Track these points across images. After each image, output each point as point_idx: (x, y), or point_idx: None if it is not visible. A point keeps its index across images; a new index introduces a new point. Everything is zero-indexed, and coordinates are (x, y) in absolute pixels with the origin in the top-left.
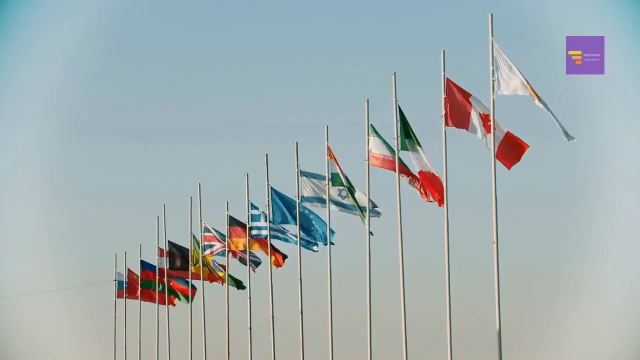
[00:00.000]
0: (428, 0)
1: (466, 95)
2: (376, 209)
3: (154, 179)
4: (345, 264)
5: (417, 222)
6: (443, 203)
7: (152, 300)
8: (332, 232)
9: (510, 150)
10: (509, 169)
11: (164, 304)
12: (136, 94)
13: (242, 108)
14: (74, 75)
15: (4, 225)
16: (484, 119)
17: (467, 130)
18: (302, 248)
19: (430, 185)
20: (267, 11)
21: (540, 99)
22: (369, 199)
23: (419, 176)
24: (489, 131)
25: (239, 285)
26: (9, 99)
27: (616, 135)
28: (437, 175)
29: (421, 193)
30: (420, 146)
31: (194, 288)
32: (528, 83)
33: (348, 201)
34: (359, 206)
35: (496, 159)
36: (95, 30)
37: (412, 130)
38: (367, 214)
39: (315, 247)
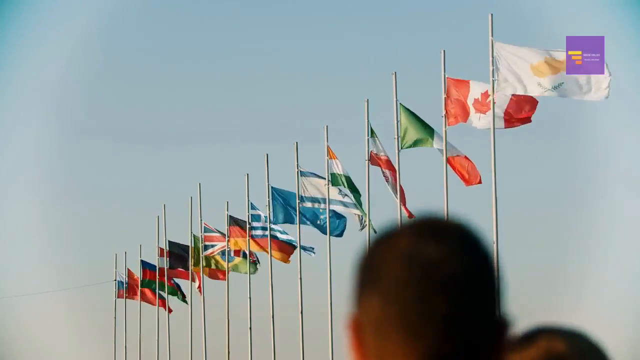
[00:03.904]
0: (428, 1)
1: (464, 85)
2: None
3: (154, 179)
4: (346, 264)
5: None
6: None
7: (152, 302)
8: (342, 221)
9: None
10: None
11: (164, 307)
12: (135, 94)
13: (242, 108)
14: (73, 76)
15: (5, 226)
16: (481, 99)
17: (465, 122)
18: (301, 250)
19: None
20: (268, 13)
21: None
22: (368, 203)
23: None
24: (484, 111)
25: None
26: (9, 101)
27: (616, 135)
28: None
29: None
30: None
31: (182, 294)
32: (549, 58)
33: (348, 199)
34: (360, 205)
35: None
36: (95, 31)
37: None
38: (367, 212)
39: (312, 253)
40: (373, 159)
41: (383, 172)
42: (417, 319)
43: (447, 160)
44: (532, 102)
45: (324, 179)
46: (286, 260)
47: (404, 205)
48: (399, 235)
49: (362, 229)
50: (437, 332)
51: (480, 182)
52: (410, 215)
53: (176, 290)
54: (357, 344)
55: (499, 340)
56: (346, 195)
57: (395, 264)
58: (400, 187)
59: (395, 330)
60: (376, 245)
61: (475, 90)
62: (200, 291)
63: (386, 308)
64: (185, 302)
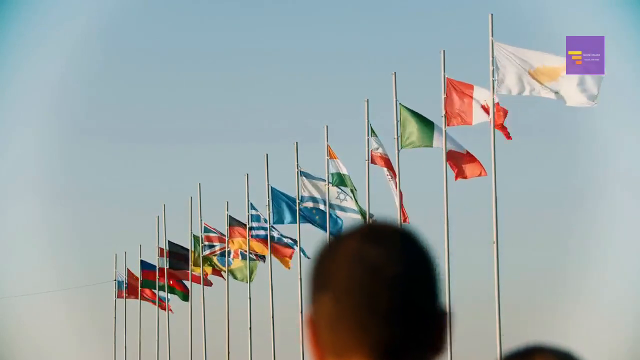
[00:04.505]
0: (428, 1)
1: (467, 87)
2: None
3: (154, 179)
4: None
5: (416, 222)
6: (459, 177)
7: (152, 302)
8: (340, 224)
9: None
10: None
11: (164, 309)
12: (135, 95)
13: (242, 108)
14: (73, 76)
15: (5, 226)
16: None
17: (471, 124)
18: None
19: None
20: (268, 13)
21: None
22: (368, 204)
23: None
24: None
25: (247, 274)
26: (9, 100)
27: (616, 135)
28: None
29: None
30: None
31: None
32: (548, 67)
33: (346, 204)
34: (359, 209)
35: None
36: (95, 31)
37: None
38: (366, 211)
39: (308, 257)
40: (373, 158)
41: (387, 172)
42: (365, 315)
43: (447, 156)
44: (504, 113)
45: (324, 181)
46: (287, 266)
47: (402, 207)
48: (347, 240)
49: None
50: (384, 326)
51: (485, 174)
52: (406, 218)
53: (177, 289)
54: (314, 339)
55: (438, 330)
56: (345, 199)
57: (344, 267)
58: (399, 190)
59: (346, 326)
60: (327, 250)
61: (478, 95)
62: (209, 284)
63: (338, 306)
64: (187, 299)
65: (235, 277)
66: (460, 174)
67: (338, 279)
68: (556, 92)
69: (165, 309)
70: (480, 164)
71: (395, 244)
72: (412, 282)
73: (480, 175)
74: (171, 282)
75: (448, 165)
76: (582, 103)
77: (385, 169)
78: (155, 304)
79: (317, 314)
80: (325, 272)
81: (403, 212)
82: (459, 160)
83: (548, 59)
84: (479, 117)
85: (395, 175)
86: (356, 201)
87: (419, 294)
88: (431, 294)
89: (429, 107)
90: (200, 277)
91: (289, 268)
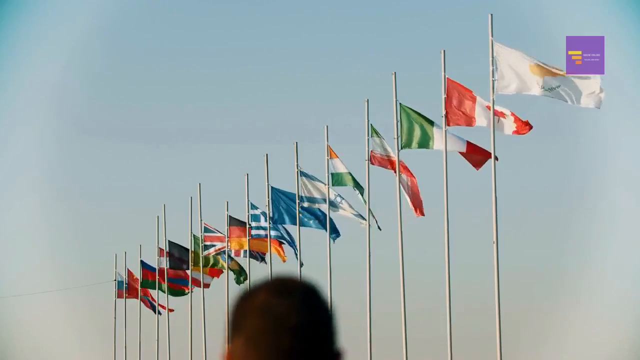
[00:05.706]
0: (428, 1)
1: (468, 91)
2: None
3: (154, 179)
4: (345, 264)
5: (417, 222)
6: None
7: (152, 303)
8: (337, 232)
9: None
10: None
11: (164, 308)
12: (136, 94)
13: (242, 108)
14: (73, 76)
15: (4, 225)
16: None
17: (473, 125)
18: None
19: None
20: (268, 12)
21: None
22: (369, 206)
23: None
24: (499, 115)
25: (239, 279)
26: (9, 100)
27: (616, 135)
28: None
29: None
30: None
31: (186, 285)
32: (543, 65)
33: (345, 205)
34: (366, 205)
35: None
36: (95, 31)
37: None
38: (367, 214)
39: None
40: (374, 159)
41: (399, 176)
42: (272, 355)
43: (459, 155)
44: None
45: (325, 184)
46: (282, 258)
47: (420, 207)
48: (257, 293)
49: (368, 227)
50: None
51: (490, 156)
52: (421, 214)
53: (178, 289)
54: None
55: None
56: (340, 203)
57: (253, 316)
58: (416, 188)
59: None
60: (241, 301)
61: (480, 98)
62: (207, 285)
63: (249, 347)
64: (185, 294)
65: (236, 281)
66: (477, 163)
67: (249, 325)
68: (558, 86)
69: (165, 308)
70: (483, 150)
71: (296, 296)
72: (311, 329)
73: (488, 158)
74: (171, 283)
75: (449, 165)
76: (588, 104)
77: (391, 170)
78: (154, 310)
79: (233, 351)
80: (239, 319)
81: (420, 207)
82: (468, 156)
83: (548, 62)
84: (482, 120)
85: (410, 175)
86: (363, 198)
87: (317, 339)
88: (328, 338)
89: (429, 107)
90: (200, 277)
91: (285, 261)
